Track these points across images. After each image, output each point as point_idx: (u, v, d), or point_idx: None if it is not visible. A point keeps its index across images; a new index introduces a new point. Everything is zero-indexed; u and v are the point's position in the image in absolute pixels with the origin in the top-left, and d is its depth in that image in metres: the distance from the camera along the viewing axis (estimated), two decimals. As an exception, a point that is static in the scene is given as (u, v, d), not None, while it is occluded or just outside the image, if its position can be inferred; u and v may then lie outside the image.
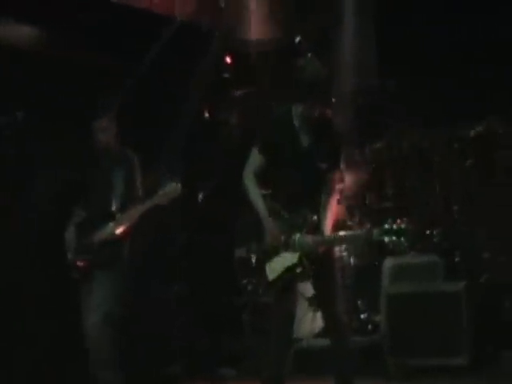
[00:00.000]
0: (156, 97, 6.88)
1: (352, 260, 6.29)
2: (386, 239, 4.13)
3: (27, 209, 6.20)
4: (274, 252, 4.40)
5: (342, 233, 4.44)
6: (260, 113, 4.98)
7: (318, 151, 4.38)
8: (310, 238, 4.33)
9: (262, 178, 4.52)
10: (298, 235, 4.34)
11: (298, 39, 6.77)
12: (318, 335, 5.93)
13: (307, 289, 5.25)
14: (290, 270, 4.35)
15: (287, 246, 4.37)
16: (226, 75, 7.09)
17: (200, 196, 7.01)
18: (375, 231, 4.17)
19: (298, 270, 4.34)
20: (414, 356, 5.54)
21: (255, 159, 4.51)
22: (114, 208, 5.09)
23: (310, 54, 4.39)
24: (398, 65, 6.89)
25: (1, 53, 6.21)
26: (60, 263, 5.23)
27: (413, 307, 5.60)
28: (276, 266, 4.39)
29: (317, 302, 5.19)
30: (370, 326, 6.11)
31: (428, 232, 6.25)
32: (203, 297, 6.86)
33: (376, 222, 6.07)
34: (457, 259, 6.10)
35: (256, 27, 7.52)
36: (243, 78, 7.24)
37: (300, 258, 4.32)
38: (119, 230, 5.04)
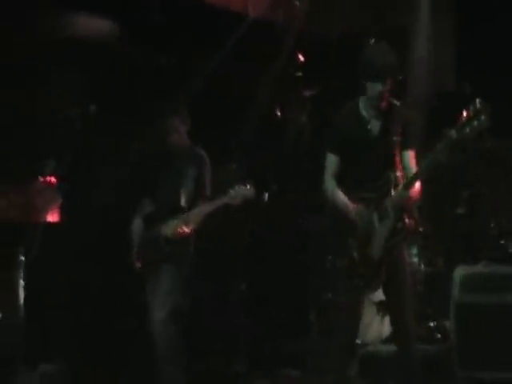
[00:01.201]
0: (228, 94, 6.85)
1: (423, 266, 6.14)
2: (468, 130, 3.98)
3: (96, 200, 6.25)
4: (368, 234, 4.33)
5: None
6: (330, 112, 4.93)
7: (390, 134, 4.36)
8: (398, 190, 4.25)
9: (342, 177, 4.46)
10: (387, 199, 4.28)
11: (372, 40, 6.64)
12: (386, 341, 5.81)
13: (375, 294, 5.15)
14: (392, 232, 4.28)
15: (382, 217, 4.29)
16: (299, 73, 7.02)
17: (266, 195, 6.96)
18: (452, 131, 4.02)
19: (399, 226, 4.26)
20: (483, 369, 5.35)
21: (331, 162, 4.54)
22: (182, 203, 5.09)
23: (373, 40, 4.36)
24: (475, 69, 6.71)
25: (75, 46, 6.29)
26: (125, 255, 5.24)
27: (483, 318, 5.40)
28: (379, 240, 4.31)
29: (386, 307, 5.10)
30: (438, 335, 5.96)
31: (502, 241, 6.05)
32: (268, 296, 6.80)
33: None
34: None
35: (330, 25, 7.43)
36: (315, 77, 7.16)
37: (396, 215, 4.24)
38: (185, 230, 5.01)
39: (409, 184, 4.26)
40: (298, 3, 7.14)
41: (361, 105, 4.47)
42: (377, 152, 4.39)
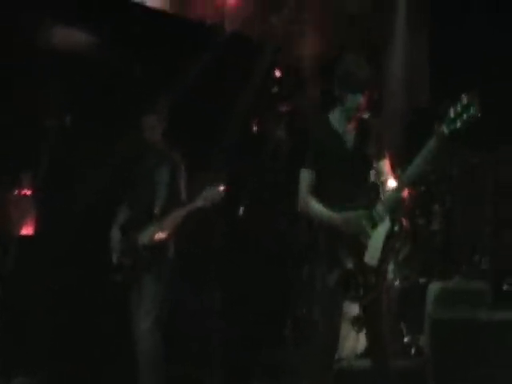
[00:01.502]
0: (204, 107, 6.84)
1: (398, 281, 6.16)
2: (459, 124, 3.94)
3: (75, 209, 6.20)
4: (361, 242, 4.30)
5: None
6: (306, 127, 4.97)
7: (364, 145, 4.38)
8: (390, 192, 4.24)
9: (322, 191, 4.45)
10: (378, 205, 4.26)
11: (349, 54, 6.68)
12: (360, 356, 5.82)
13: (351, 308, 5.16)
14: (389, 235, 4.25)
15: (375, 223, 4.26)
16: (275, 89, 7.04)
17: (241, 208, 6.96)
18: (443, 127, 3.98)
19: (397, 229, 4.25)
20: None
21: (304, 177, 4.49)
22: (156, 210, 5.09)
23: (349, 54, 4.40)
24: (451, 84, 6.77)
25: (51, 57, 6.26)
26: (105, 263, 5.21)
27: (457, 334, 5.43)
28: (375, 246, 4.26)
29: (362, 322, 5.09)
30: (413, 350, 5.97)
31: (476, 257, 6.10)
32: (243, 309, 6.78)
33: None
34: (505, 287, 5.93)
35: (306, 42, 7.47)
36: (292, 93, 7.19)
37: (392, 217, 4.23)
38: (161, 236, 5.02)
39: (401, 185, 4.26)
40: (273, 19, 7.19)
41: (333, 117, 4.47)
42: (353, 163, 4.39)
